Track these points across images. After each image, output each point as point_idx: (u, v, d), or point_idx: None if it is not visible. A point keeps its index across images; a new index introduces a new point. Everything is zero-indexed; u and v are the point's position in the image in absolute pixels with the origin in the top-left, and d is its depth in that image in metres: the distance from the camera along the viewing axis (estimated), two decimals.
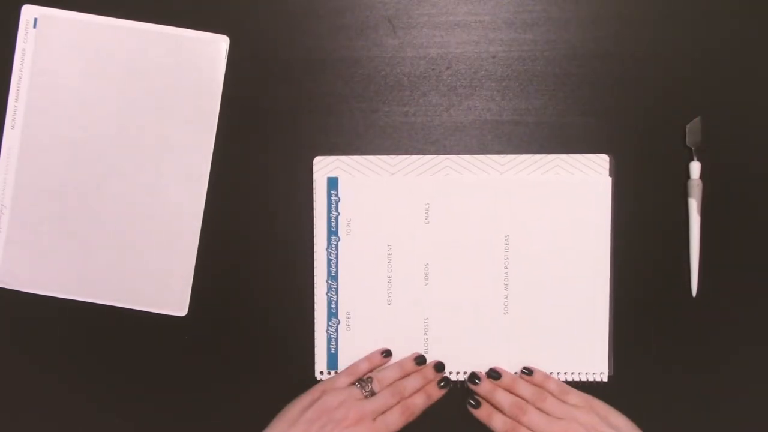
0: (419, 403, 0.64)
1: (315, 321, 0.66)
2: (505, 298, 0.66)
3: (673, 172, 0.66)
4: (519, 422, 0.62)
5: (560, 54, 0.66)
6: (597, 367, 0.66)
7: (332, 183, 0.66)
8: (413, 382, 0.64)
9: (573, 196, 0.65)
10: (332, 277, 0.66)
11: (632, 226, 0.66)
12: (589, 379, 0.66)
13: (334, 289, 0.66)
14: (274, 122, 0.66)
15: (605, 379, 0.66)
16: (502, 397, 0.63)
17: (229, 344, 0.67)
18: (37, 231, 0.67)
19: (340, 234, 0.66)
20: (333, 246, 0.66)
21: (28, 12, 0.66)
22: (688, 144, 0.65)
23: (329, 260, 0.66)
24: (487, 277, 0.66)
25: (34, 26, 0.66)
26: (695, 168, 0.65)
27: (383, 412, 0.62)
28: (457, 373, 0.66)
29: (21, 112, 0.66)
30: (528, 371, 0.65)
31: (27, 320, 0.67)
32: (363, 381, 0.64)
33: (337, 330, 0.66)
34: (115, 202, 0.66)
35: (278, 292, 0.67)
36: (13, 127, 0.66)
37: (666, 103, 0.66)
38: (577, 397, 0.63)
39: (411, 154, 0.66)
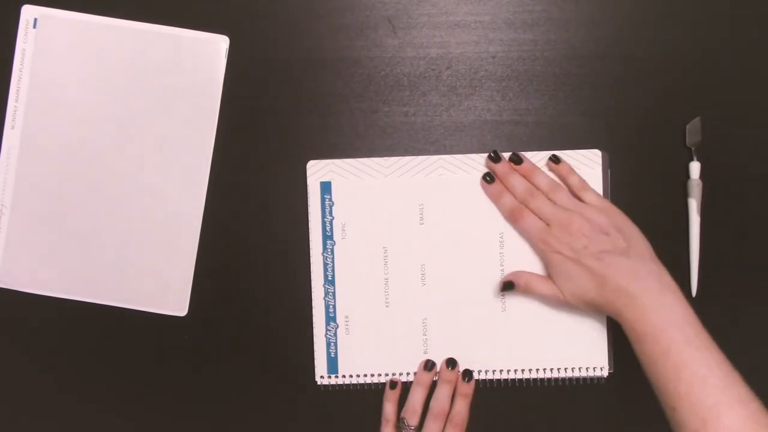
0: (462, 410, 0.64)
1: (313, 325, 0.66)
2: (503, 295, 0.66)
3: (673, 172, 0.66)
4: (527, 206, 0.63)
5: (560, 54, 0.66)
6: (597, 363, 0.66)
7: (325, 187, 0.66)
8: (443, 393, 0.64)
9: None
10: (329, 281, 0.66)
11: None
12: (589, 375, 0.66)
13: (331, 293, 0.66)
14: (274, 122, 0.66)
15: (605, 376, 0.66)
16: (517, 181, 0.64)
17: (229, 344, 0.67)
18: (37, 231, 0.67)
19: (335, 238, 0.66)
20: (329, 250, 0.66)
21: (28, 12, 0.66)
22: (688, 144, 0.65)
23: (325, 264, 0.66)
24: (483, 276, 0.66)
25: (34, 26, 0.66)
26: (695, 168, 0.65)
27: None
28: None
29: (21, 112, 0.66)
30: (555, 159, 0.64)
31: (27, 320, 0.67)
32: (398, 426, 0.64)
33: (336, 334, 0.66)
34: (115, 202, 0.66)
35: (278, 292, 0.67)
36: (13, 127, 0.66)
37: (666, 103, 0.66)
38: (593, 195, 0.63)
39: (411, 154, 0.66)
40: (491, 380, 0.66)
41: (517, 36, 0.66)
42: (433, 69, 0.66)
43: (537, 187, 0.63)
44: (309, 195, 0.66)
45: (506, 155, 0.65)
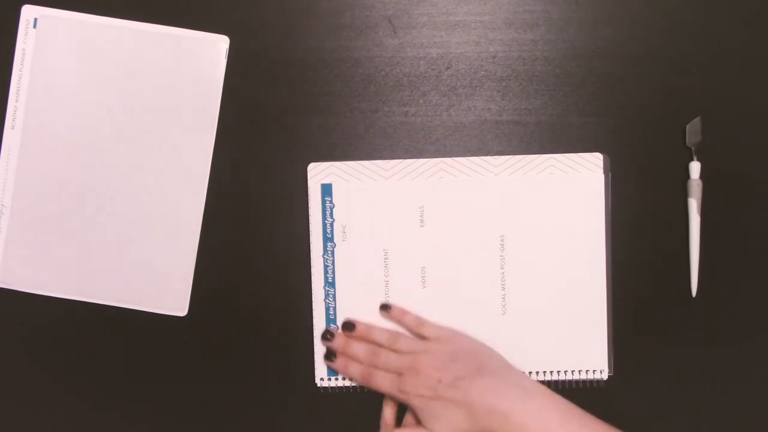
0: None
1: (314, 327, 0.66)
2: (503, 298, 0.66)
3: (673, 172, 0.66)
4: (375, 367, 0.63)
5: (560, 54, 0.66)
6: (596, 366, 0.66)
7: (326, 189, 0.66)
8: (359, 348, 0.64)
9: (567, 195, 0.65)
10: (329, 283, 0.66)
11: (632, 226, 0.66)
12: (589, 378, 0.66)
13: (331, 296, 0.66)
14: (274, 122, 0.66)
15: (605, 379, 0.66)
16: (357, 347, 0.64)
17: (229, 344, 0.67)
18: (37, 231, 0.67)
19: (335, 240, 0.66)
20: (329, 252, 0.66)
21: (28, 12, 0.66)
22: (688, 144, 0.65)
23: (326, 266, 0.66)
24: (483, 279, 0.66)
25: (34, 26, 0.66)
26: (695, 168, 0.65)
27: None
28: None
29: (21, 112, 0.66)
30: (385, 307, 0.65)
31: (27, 320, 0.67)
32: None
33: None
34: (115, 202, 0.66)
35: (278, 294, 0.67)
36: (13, 127, 0.66)
37: (666, 103, 0.66)
38: (431, 329, 0.64)
39: (411, 154, 0.66)
40: None
41: (517, 36, 0.66)
42: (433, 69, 0.66)
43: (378, 345, 0.64)
44: (309, 197, 0.66)
45: (336, 329, 0.65)
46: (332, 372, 0.66)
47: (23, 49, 0.66)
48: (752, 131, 0.66)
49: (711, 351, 0.66)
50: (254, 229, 0.67)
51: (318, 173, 0.66)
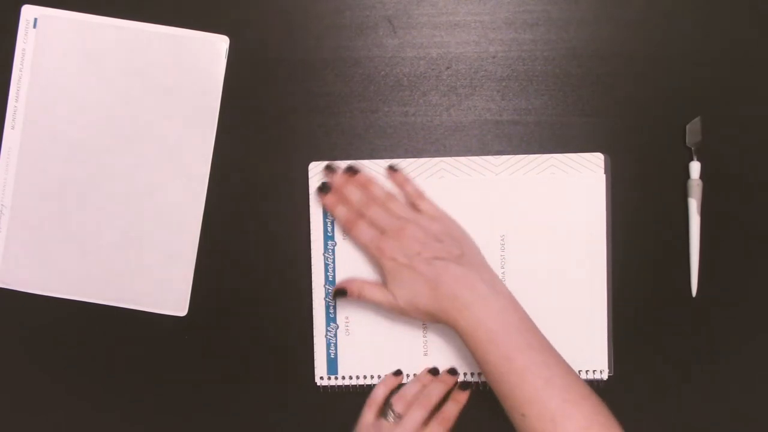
0: (452, 410, 0.64)
1: (314, 326, 0.66)
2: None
3: (673, 172, 0.66)
4: (361, 217, 0.63)
5: (560, 54, 0.66)
6: (597, 366, 0.66)
7: (326, 189, 0.66)
8: (436, 389, 0.64)
9: (568, 194, 0.65)
10: (330, 281, 0.66)
11: (632, 226, 0.66)
12: (589, 378, 0.66)
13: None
14: (274, 122, 0.66)
15: (605, 379, 0.66)
16: (353, 191, 0.64)
17: (229, 345, 0.67)
18: (37, 231, 0.67)
19: (336, 238, 0.66)
20: (330, 251, 0.66)
21: (28, 12, 0.66)
22: (688, 144, 0.65)
23: (326, 265, 0.66)
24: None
25: (34, 26, 0.66)
26: (695, 168, 0.65)
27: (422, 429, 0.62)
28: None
29: (21, 112, 0.66)
30: (392, 168, 0.65)
31: (27, 320, 0.67)
32: (384, 409, 0.64)
33: (336, 335, 0.66)
34: (115, 202, 0.66)
35: (278, 293, 0.67)
36: (13, 127, 0.66)
37: (666, 103, 0.66)
38: (428, 204, 0.64)
39: (411, 153, 0.66)
40: None
41: (517, 36, 0.66)
42: (433, 69, 0.66)
43: (372, 198, 0.64)
44: (310, 196, 0.66)
45: (342, 164, 0.65)
46: (332, 370, 0.66)
47: (23, 49, 0.66)
48: (752, 131, 0.66)
49: (711, 351, 0.67)
50: (254, 229, 0.67)
51: (318, 172, 0.66)
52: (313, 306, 0.66)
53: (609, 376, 0.66)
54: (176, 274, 0.67)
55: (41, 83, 0.66)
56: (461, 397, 0.65)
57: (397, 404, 0.63)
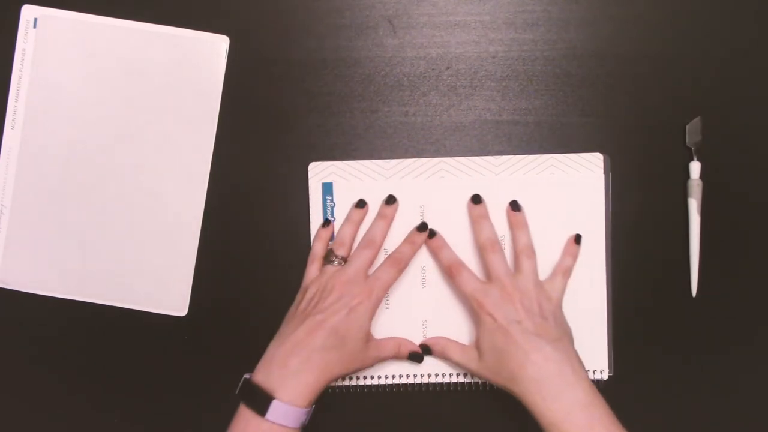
0: (405, 251, 0.64)
1: None
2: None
3: (673, 172, 0.66)
4: (484, 254, 0.63)
5: (560, 54, 0.66)
6: (597, 366, 0.66)
7: (327, 188, 0.66)
8: (378, 226, 0.64)
9: (568, 195, 0.65)
10: None
11: (632, 226, 0.66)
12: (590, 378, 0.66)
13: None
14: (274, 122, 0.66)
15: (605, 379, 0.66)
16: (487, 227, 0.63)
17: (229, 345, 0.67)
18: (37, 231, 0.67)
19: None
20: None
21: (28, 12, 0.66)
22: (688, 144, 0.65)
23: None
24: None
25: (34, 26, 0.66)
26: (695, 168, 0.65)
27: (371, 268, 0.63)
28: (458, 375, 0.66)
29: (21, 112, 0.66)
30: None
31: (27, 320, 0.67)
32: (326, 257, 0.64)
33: None
34: (115, 202, 0.66)
35: (278, 293, 0.67)
36: (13, 128, 0.66)
37: (666, 103, 0.66)
38: (531, 265, 0.62)
39: (411, 153, 0.66)
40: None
41: (517, 36, 0.66)
42: (433, 69, 0.66)
43: (515, 242, 0.63)
44: (310, 196, 0.66)
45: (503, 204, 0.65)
46: None
47: (23, 49, 0.66)
48: (752, 131, 0.66)
49: (711, 351, 0.67)
50: (254, 229, 0.67)
51: (319, 172, 0.66)
52: None
53: (609, 376, 0.66)
54: (176, 274, 0.67)
55: (41, 83, 0.66)
56: (417, 238, 0.64)
57: (339, 249, 0.63)
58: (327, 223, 0.65)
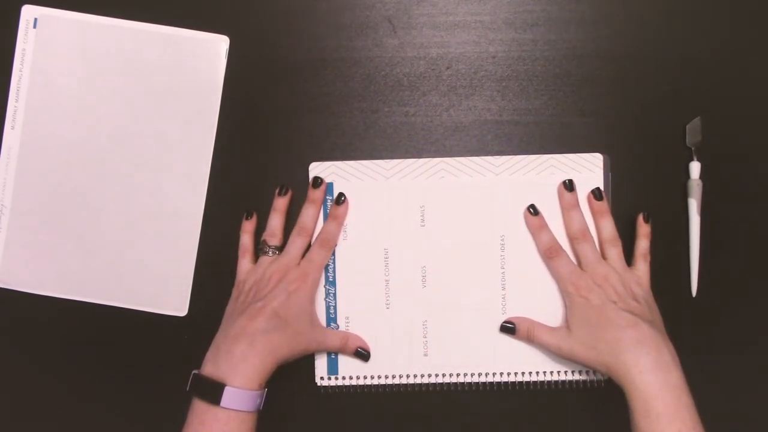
0: (332, 229, 0.64)
1: None
2: (503, 298, 0.66)
3: (673, 172, 0.66)
4: (574, 244, 0.63)
5: (560, 54, 0.66)
6: None
7: (327, 188, 0.66)
8: (308, 212, 0.65)
9: None
10: (330, 282, 0.66)
11: (633, 225, 0.66)
12: (588, 379, 0.66)
13: (332, 294, 0.66)
14: (274, 122, 0.66)
15: (604, 379, 0.66)
16: (575, 219, 0.64)
17: None
18: (37, 231, 0.67)
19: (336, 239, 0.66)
20: None
21: (28, 12, 0.66)
22: (688, 144, 0.65)
23: (327, 265, 0.66)
24: (484, 278, 0.66)
25: (34, 26, 0.66)
26: (695, 168, 0.65)
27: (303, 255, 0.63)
28: (458, 375, 0.66)
29: (21, 112, 0.66)
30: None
31: (27, 320, 0.67)
32: (259, 249, 0.64)
33: None
34: (115, 202, 0.66)
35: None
36: (13, 127, 0.66)
37: (666, 103, 0.66)
38: (618, 253, 0.63)
39: (411, 153, 0.66)
40: (491, 383, 0.66)
41: (517, 36, 0.66)
42: (433, 69, 0.66)
43: (599, 231, 0.64)
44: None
45: (586, 190, 0.65)
46: (332, 370, 0.66)
47: (23, 49, 0.66)
48: (752, 131, 0.66)
49: (711, 351, 0.66)
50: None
51: (319, 173, 0.66)
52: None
53: (608, 377, 0.66)
54: (176, 274, 0.67)
55: (41, 83, 0.66)
56: (339, 212, 0.65)
57: (272, 239, 0.64)
58: (250, 214, 0.66)
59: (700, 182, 0.65)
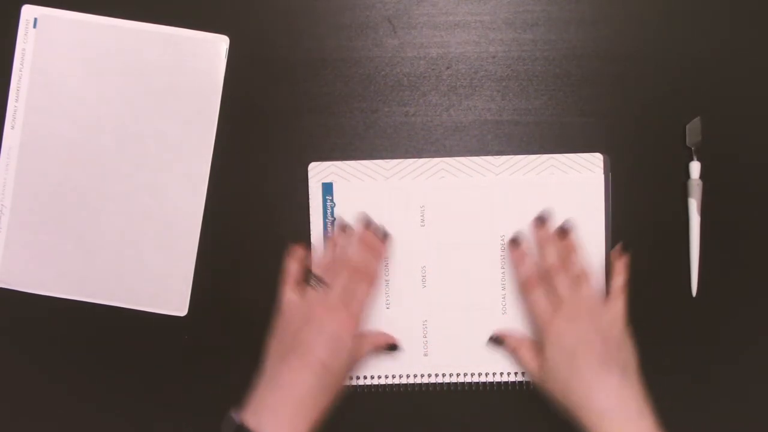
0: (373, 263, 0.64)
1: None
2: (503, 298, 0.66)
3: (673, 172, 0.66)
4: (548, 278, 0.62)
5: (560, 54, 0.66)
6: None
7: (327, 188, 0.66)
8: (352, 247, 0.64)
9: (567, 195, 0.65)
10: None
11: (632, 226, 0.66)
12: None
13: None
14: (274, 122, 0.66)
15: None
16: (551, 254, 0.63)
17: (229, 344, 0.67)
18: (37, 231, 0.67)
19: None
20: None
21: (28, 12, 0.66)
22: (688, 144, 0.65)
23: None
24: (484, 278, 0.66)
25: (34, 26, 0.66)
26: (695, 168, 0.65)
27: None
28: (458, 375, 0.66)
29: (21, 112, 0.66)
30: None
31: (27, 320, 0.67)
32: (307, 280, 0.63)
33: None
34: (115, 202, 0.66)
35: (278, 293, 0.67)
36: (13, 127, 0.66)
37: (666, 103, 0.66)
38: (588, 288, 0.62)
39: (411, 153, 0.66)
40: (491, 383, 0.66)
41: (517, 36, 0.66)
42: (433, 69, 0.66)
43: (570, 267, 0.62)
44: (310, 196, 0.66)
45: (551, 223, 0.65)
46: None
47: (23, 49, 0.66)
48: (752, 131, 0.66)
49: (711, 351, 0.66)
50: (254, 229, 0.67)
51: (319, 173, 0.66)
52: None
53: None
54: (176, 274, 0.67)
55: (41, 83, 0.66)
56: (380, 247, 0.64)
57: (320, 272, 0.63)
58: (301, 243, 0.65)
59: (700, 182, 0.65)
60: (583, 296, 0.61)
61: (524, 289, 0.63)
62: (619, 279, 0.63)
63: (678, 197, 0.66)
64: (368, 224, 0.65)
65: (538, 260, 0.64)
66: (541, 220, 0.64)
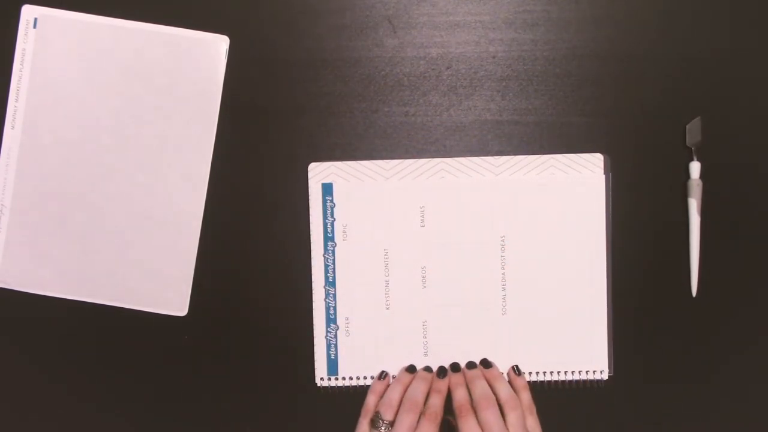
0: (437, 403, 0.63)
1: (314, 327, 0.66)
2: (503, 299, 0.66)
3: (673, 172, 0.66)
4: (477, 411, 0.61)
5: (560, 54, 0.66)
6: (597, 366, 0.66)
7: (327, 189, 0.66)
8: (419, 388, 0.63)
9: (568, 195, 0.65)
10: (330, 282, 0.66)
11: (632, 226, 0.66)
12: (589, 378, 0.66)
13: (332, 295, 0.66)
14: (274, 122, 0.66)
15: (605, 379, 0.66)
16: (480, 386, 0.63)
17: (229, 344, 0.67)
18: (37, 231, 0.67)
19: (336, 239, 0.66)
20: (330, 251, 0.66)
21: (28, 12, 0.66)
22: (688, 144, 0.65)
23: (326, 266, 0.66)
24: (484, 279, 0.66)
25: (34, 26, 0.66)
26: (695, 168, 0.65)
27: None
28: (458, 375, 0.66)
29: (21, 112, 0.66)
30: (517, 370, 0.65)
31: (27, 320, 0.67)
32: (374, 420, 0.63)
33: (336, 336, 0.66)
34: (115, 202, 0.66)
35: (278, 293, 0.67)
36: (13, 128, 0.66)
37: (666, 103, 0.66)
38: (534, 423, 0.63)
39: (411, 153, 0.66)
40: None
41: (517, 36, 0.66)
42: (433, 69, 0.66)
43: (497, 394, 0.62)
44: (310, 196, 0.66)
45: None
46: (332, 371, 0.66)
47: (23, 49, 0.66)
48: (752, 131, 0.66)
49: (711, 351, 0.67)
50: (254, 229, 0.67)
51: (319, 173, 0.66)
52: (313, 307, 0.66)
53: (609, 376, 0.66)
54: (176, 274, 0.67)
55: (41, 83, 0.66)
56: (442, 386, 0.64)
57: (386, 412, 0.62)
58: (383, 375, 0.66)
59: (700, 182, 0.65)
60: (510, 426, 0.61)
61: (457, 413, 0.62)
62: (525, 395, 0.64)
63: (678, 197, 0.66)
64: (442, 373, 0.65)
65: (470, 391, 0.63)
66: (441, 373, 0.65)
